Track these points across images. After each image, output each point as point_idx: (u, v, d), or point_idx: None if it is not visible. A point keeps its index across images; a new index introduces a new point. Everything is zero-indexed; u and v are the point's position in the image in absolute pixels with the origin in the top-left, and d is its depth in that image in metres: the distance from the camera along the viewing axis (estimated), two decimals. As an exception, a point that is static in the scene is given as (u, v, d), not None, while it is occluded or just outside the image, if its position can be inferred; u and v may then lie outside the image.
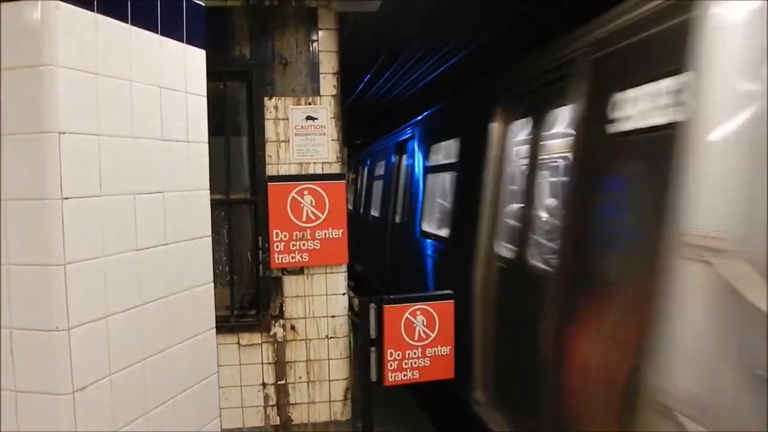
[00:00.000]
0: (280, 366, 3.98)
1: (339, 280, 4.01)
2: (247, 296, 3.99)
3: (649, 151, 2.38)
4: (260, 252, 3.89)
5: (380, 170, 9.18)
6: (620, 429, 2.31)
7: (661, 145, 2.20)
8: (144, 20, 2.00)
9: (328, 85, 3.91)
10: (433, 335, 3.77)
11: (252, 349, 3.93)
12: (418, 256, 5.97)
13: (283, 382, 3.98)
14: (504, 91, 4.21)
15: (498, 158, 4.12)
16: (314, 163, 3.92)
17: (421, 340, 3.76)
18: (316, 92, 3.90)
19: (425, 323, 3.76)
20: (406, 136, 7.48)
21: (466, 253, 4.31)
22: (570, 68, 3.16)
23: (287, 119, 3.88)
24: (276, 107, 3.87)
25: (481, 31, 5.27)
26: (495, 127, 4.17)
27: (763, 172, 1.78)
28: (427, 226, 5.98)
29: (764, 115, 1.81)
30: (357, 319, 3.92)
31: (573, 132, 3.11)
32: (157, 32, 2.07)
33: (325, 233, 3.89)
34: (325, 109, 3.90)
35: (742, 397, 1.83)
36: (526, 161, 3.79)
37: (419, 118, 6.97)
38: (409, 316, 3.73)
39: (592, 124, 2.86)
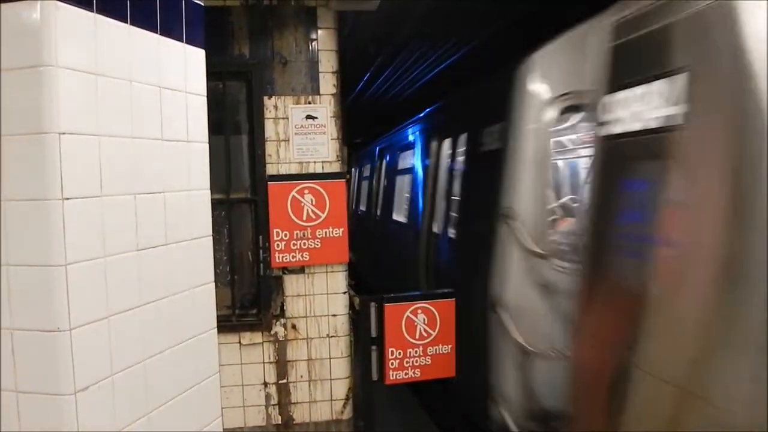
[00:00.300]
0: (282, 365, 3.98)
1: (339, 278, 4.01)
2: (248, 295, 3.99)
3: (492, 163, 4.07)
4: (261, 251, 3.89)
5: (366, 172, 10.93)
6: (480, 322, 3.85)
7: (496, 161, 3.94)
8: (143, 20, 2.00)
9: (328, 84, 3.91)
10: (434, 334, 3.78)
11: (253, 348, 3.93)
12: (391, 239, 7.66)
13: (284, 381, 3.99)
14: (437, 118, 6.27)
15: (434, 165, 5.87)
16: (314, 162, 3.92)
17: (422, 338, 3.76)
18: (316, 91, 3.90)
19: (426, 322, 3.76)
20: (384, 145, 9.33)
21: (417, 232, 6.15)
22: (464, 109, 5.28)
23: (287, 118, 3.88)
24: (276, 106, 3.87)
25: (480, 30, 5.27)
26: (433, 144, 5.96)
27: (535, 180, 3.65)
28: (396, 216, 7.66)
29: (537, 148, 3.65)
30: (358, 318, 3.92)
31: (466, 149, 4.89)
32: (156, 32, 2.07)
33: (325, 232, 3.89)
34: (324, 108, 3.90)
35: (530, 298, 3.58)
36: (446, 167, 5.49)
37: (393, 130, 8.80)
38: (410, 315, 3.73)
39: (474, 145, 4.66)
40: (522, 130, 3.74)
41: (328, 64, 3.91)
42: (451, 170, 5.28)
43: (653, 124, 2.14)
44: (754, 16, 1.80)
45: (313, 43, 3.88)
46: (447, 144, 5.48)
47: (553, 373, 3.25)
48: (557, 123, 3.73)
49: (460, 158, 5.02)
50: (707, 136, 1.94)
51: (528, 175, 3.69)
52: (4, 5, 1.68)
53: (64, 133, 1.69)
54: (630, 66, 2.34)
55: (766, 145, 1.64)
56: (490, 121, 4.24)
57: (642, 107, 2.20)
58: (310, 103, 3.89)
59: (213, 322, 2.37)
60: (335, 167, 3.94)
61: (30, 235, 1.69)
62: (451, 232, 5.03)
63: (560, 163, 4.87)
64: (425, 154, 6.23)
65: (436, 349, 3.78)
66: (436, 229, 5.54)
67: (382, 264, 8.29)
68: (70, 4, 1.71)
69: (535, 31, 4.12)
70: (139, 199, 1.98)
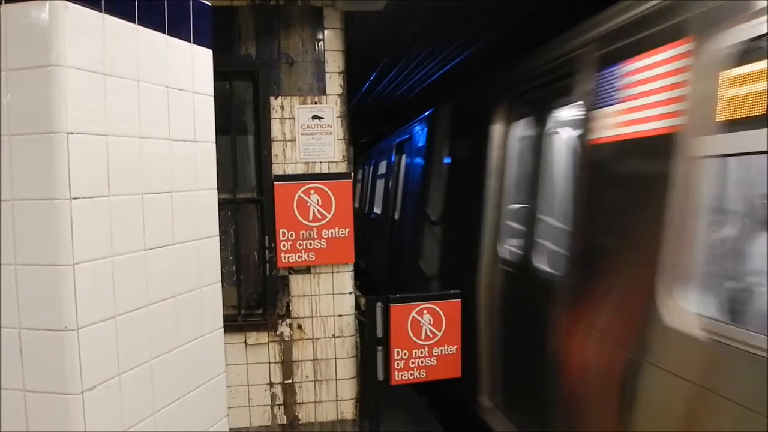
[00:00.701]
0: (287, 365, 3.98)
1: (346, 279, 4.01)
2: (254, 295, 4.00)
3: (419, 172, 6.65)
4: (267, 251, 3.90)
5: (359, 176, 13.91)
6: (410, 265, 6.58)
7: (419, 172, 6.64)
8: (151, 20, 2.01)
9: (334, 84, 3.91)
10: (439, 334, 3.77)
11: (259, 348, 3.94)
12: (372, 228, 10.05)
13: (290, 381, 3.99)
14: (395, 140, 8.78)
15: (395, 173, 8.30)
16: (320, 162, 3.92)
17: (427, 339, 3.76)
18: (322, 91, 3.90)
19: (432, 322, 3.76)
20: (369, 154, 12.54)
21: (385, 220, 8.52)
22: (407, 136, 7.83)
23: (293, 118, 3.88)
24: (282, 106, 3.87)
25: (485, 31, 5.26)
26: (394, 157, 8.54)
27: (436, 183, 5.84)
28: (376, 210, 10.15)
29: (437, 165, 5.94)
30: (363, 318, 3.92)
31: (409, 163, 7.53)
32: (164, 32, 2.07)
33: (331, 232, 3.89)
34: (331, 108, 3.90)
35: (430, 248, 5.89)
36: (402, 175, 7.88)
37: (377, 144, 11.82)
38: (415, 315, 3.73)
39: (409, 161, 7.44)
40: (430, 153, 6.30)
41: (334, 64, 3.90)
42: (405, 176, 7.69)
43: (444, 161, 5.62)
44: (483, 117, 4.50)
45: (319, 44, 3.88)
46: (402, 158, 8.07)
47: (434, 281, 5.74)
48: (449, 151, 5.67)
49: (406, 168, 7.66)
50: (458, 170, 5.29)
51: (434, 180, 5.96)
52: (12, 5, 1.68)
53: (72, 133, 1.69)
54: (443, 133, 5.89)
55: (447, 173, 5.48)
56: (417, 146, 7.08)
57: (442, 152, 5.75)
58: (316, 103, 3.89)
59: (219, 322, 2.38)
60: (341, 167, 3.94)
61: (38, 234, 1.70)
62: (401, 216, 7.64)
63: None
64: (391, 164, 8.84)
65: (441, 350, 3.78)
66: (396, 216, 7.98)
67: (367, 245, 10.52)
68: (78, 4, 1.71)
69: (536, 32, 4.12)
70: (146, 199, 1.99)
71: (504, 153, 4.13)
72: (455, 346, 3.80)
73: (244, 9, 3.82)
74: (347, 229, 3.92)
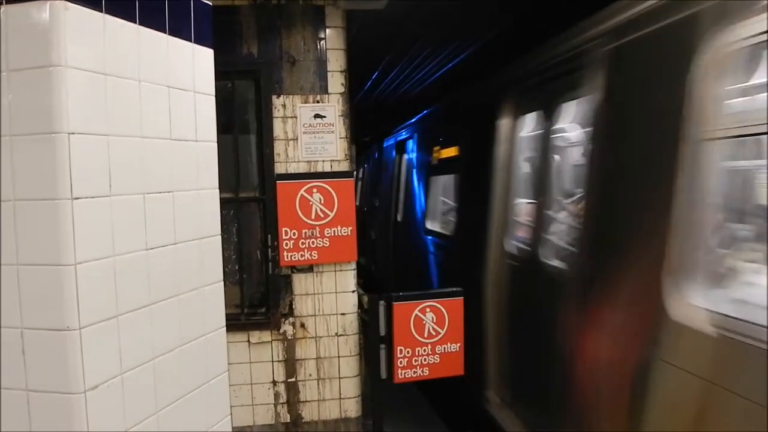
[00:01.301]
0: (290, 364, 3.99)
1: (348, 277, 4.01)
2: (257, 294, 4.00)
3: (373, 176, 11.79)
4: (269, 250, 3.90)
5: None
6: (369, 239, 10.58)
7: (374, 175, 11.67)
8: (152, 20, 2.01)
9: (336, 83, 3.90)
10: (442, 332, 3.77)
11: (262, 346, 3.95)
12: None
13: (293, 379, 3.99)
14: (370, 152, 12.60)
15: (363, 178, 12.95)
16: (323, 161, 3.92)
17: (430, 337, 3.76)
18: (324, 90, 3.89)
19: (435, 320, 3.76)
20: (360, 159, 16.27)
21: (360, 208, 11.02)
22: (374, 151, 12.08)
23: (295, 117, 3.88)
24: (284, 105, 3.87)
25: (485, 30, 5.26)
26: (367, 164, 12.53)
27: (379, 186, 10.36)
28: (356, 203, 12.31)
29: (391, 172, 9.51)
30: (366, 317, 3.92)
31: (373, 169, 11.73)
32: (165, 32, 2.07)
33: (334, 231, 3.89)
34: (333, 107, 3.89)
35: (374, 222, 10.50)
36: (367, 179, 12.40)
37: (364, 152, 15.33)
38: (418, 314, 3.73)
39: (374, 169, 11.79)
40: (378, 164, 10.34)
41: (336, 63, 3.90)
42: (371, 179, 11.29)
43: (384, 169, 10.00)
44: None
45: (321, 42, 3.88)
46: (371, 164, 11.61)
47: (383, 247, 9.14)
48: (385, 164, 9.64)
49: (371, 171, 11.41)
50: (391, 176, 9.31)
51: (377, 181, 10.05)
52: (13, 6, 1.69)
53: (73, 133, 1.70)
54: (383, 154, 10.35)
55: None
56: (375, 158, 10.95)
57: (382, 164, 10.58)
58: (318, 102, 3.89)
59: (222, 320, 2.38)
60: (343, 166, 3.94)
61: (40, 234, 1.70)
62: (367, 205, 11.31)
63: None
64: (365, 168, 12.78)
65: (444, 348, 3.78)
66: (365, 208, 11.43)
67: None
68: (79, 4, 1.72)
69: (536, 32, 4.12)
70: (148, 198, 1.99)
71: (399, 169, 8.29)
72: (458, 344, 3.80)
73: (246, 8, 3.82)
74: (350, 228, 3.92)
